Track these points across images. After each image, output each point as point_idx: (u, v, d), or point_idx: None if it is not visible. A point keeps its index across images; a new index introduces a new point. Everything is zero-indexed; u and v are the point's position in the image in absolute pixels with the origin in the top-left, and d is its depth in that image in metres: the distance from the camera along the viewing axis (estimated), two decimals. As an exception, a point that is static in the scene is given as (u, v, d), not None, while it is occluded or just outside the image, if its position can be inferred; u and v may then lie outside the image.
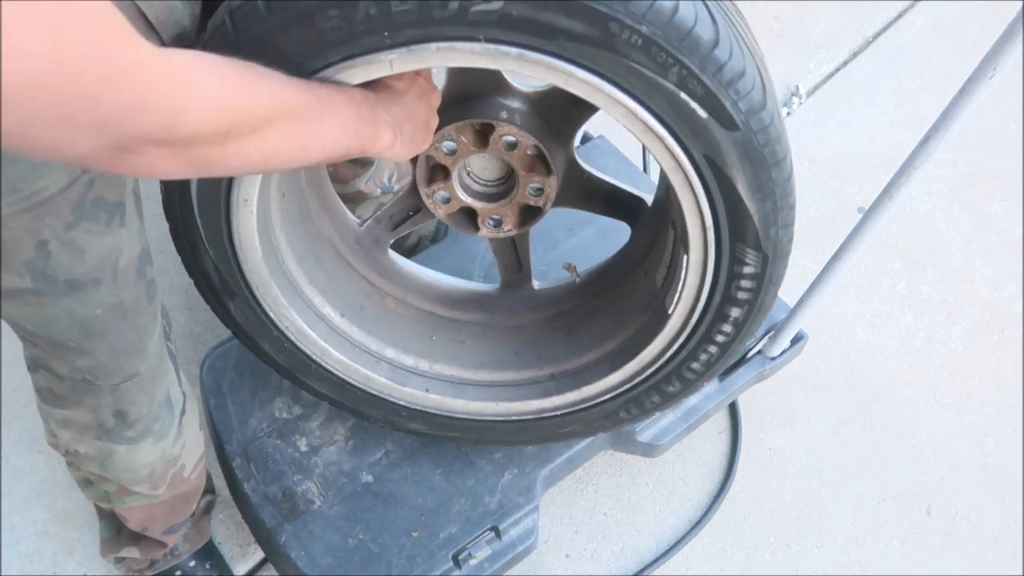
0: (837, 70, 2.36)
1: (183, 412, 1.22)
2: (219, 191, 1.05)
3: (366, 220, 1.34)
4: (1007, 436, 1.81)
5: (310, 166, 0.84)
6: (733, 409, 1.80)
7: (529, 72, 0.90)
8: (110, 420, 1.12)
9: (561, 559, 1.65)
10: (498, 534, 1.43)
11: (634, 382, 1.26)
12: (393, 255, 1.41)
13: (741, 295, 1.10)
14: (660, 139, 0.94)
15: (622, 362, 1.25)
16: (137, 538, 1.46)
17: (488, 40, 0.86)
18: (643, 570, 1.63)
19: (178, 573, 1.55)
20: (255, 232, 1.09)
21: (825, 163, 2.17)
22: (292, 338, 1.26)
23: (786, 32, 2.40)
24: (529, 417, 1.35)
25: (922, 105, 2.27)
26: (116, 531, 1.48)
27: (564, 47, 0.87)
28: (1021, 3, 0.97)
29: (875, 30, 2.44)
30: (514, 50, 0.87)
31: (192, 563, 1.56)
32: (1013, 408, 1.84)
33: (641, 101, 0.91)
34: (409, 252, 1.73)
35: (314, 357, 1.29)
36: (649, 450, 1.60)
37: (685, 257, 1.08)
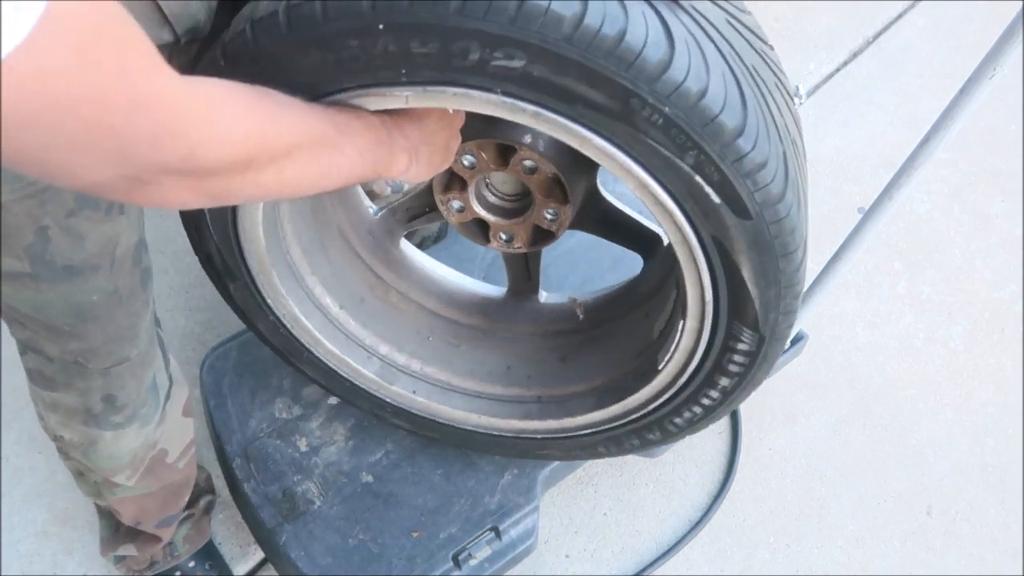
0: (837, 70, 2.36)
1: (167, 398, 1.23)
2: None
3: (381, 209, 1.35)
4: (1007, 436, 1.81)
5: (325, 192, 0.84)
6: (733, 409, 1.80)
7: (544, 129, 0.88)
8: (98, 405, 1.12)
9: (561, 559, 1.65)
10: (498, 534, 1.43)
11: (615, 423, 1.26)
12: (405, 247, 1.41)
13: (732, 368, 1.10)
14: (669, 214, 0.93)
15: (607, 402, 1.25)
16: (133, 535, 1.46)
17: (505, 94, 0.85)
18: (643, 570, 1.63)
19: (178, 574, 1.55)
20: (260, 224, 1.10)
21: (825, 163, 2.17)
22: (287, 325, 1.26)
23: (786, 32, 2.40)
24: (508, 434, 1.35)
25: (922, 105, 2.26)
26: (114, 530, 1.48)
27: (582, 113, 0.85)
28: (1021, 3, 0.97)
29: (875, 30, 2.44)
30: (531, 107, 0.85)
31: (192, 563, 1.56)
32: (1013, 408, 1.84)
33: (654, 176, 0.89)
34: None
35: (307, 345, 1.29)
36: (649, 450, 1.60)
37: (682, 322, 1.07)
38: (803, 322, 1.57)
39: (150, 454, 1.25)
